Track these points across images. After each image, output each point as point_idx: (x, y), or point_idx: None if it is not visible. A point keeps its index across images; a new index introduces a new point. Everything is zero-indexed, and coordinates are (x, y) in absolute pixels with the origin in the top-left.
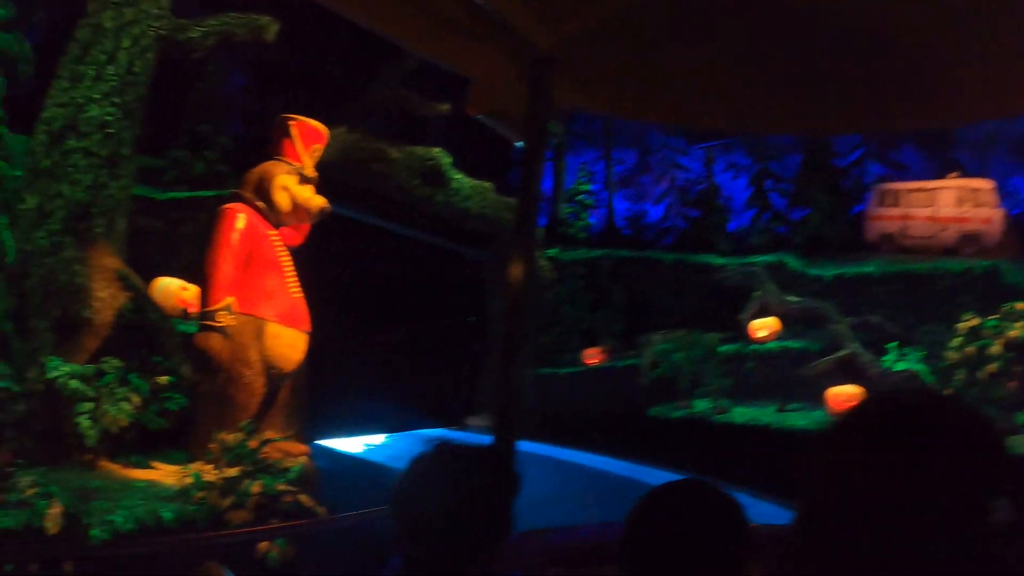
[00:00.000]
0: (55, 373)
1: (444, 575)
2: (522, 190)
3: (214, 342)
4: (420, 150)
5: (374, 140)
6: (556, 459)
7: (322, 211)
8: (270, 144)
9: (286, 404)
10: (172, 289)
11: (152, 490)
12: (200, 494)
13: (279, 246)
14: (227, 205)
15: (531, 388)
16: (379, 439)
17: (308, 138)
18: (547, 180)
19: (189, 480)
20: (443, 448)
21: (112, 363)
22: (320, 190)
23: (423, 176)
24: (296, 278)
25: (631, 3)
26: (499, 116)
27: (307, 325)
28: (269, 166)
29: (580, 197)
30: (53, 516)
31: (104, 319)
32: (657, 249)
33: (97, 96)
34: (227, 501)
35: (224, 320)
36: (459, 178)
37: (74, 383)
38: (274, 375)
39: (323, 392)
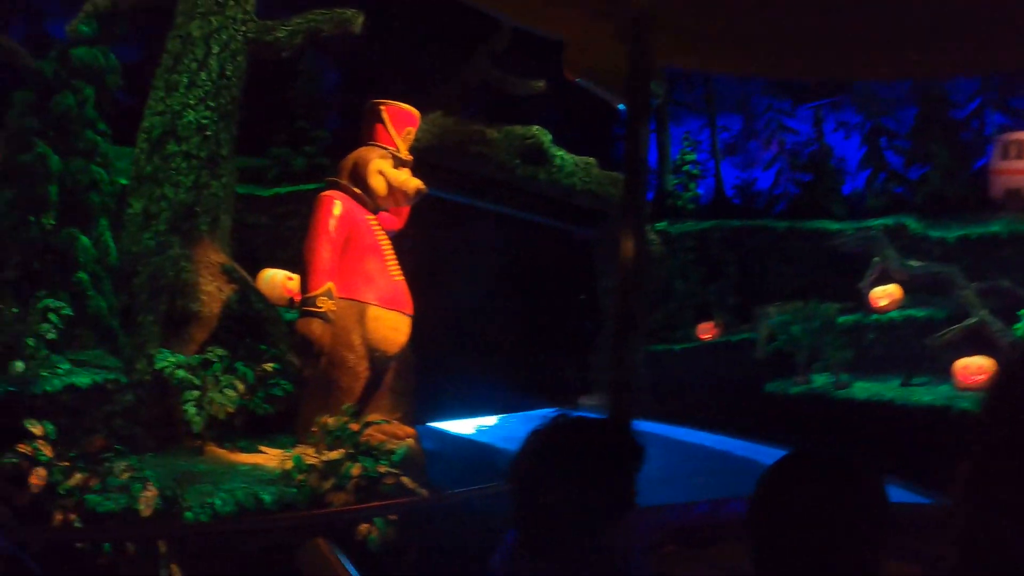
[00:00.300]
0: (162, 364)
1: (564, 551)
2: (627, 154)
3: (315, 327)
4: (519, 129)
5: (471, 122)
6: (670, 438)
7: (419, 193)
8: (363, 131)
9: (392, 387)
10: (278, 280)
11: (255, 473)
12: (300, 477)
13: (377, 230)
14: (323, 193)
15: (644, 365)
16: (491, 420)
17: (400, 121)
18: (651, 152)
19: (290, 464)
20: (562, 420)
21: (217, 352)
22: (420, 175)
23: (523, 155)
24: (396, 261)
25: None
26: (597, 78)
27: (409, 308)
28: (363, 151)
29: (686, 168)
30: (147, 499)
31: (211, 311)
32: (769, 217)
33: (192, 101)
34: (328, 483)
35: (324, 305)
36: (561, 155)
37: (180, 372)
38: (378, 358)
39: (434, 375)
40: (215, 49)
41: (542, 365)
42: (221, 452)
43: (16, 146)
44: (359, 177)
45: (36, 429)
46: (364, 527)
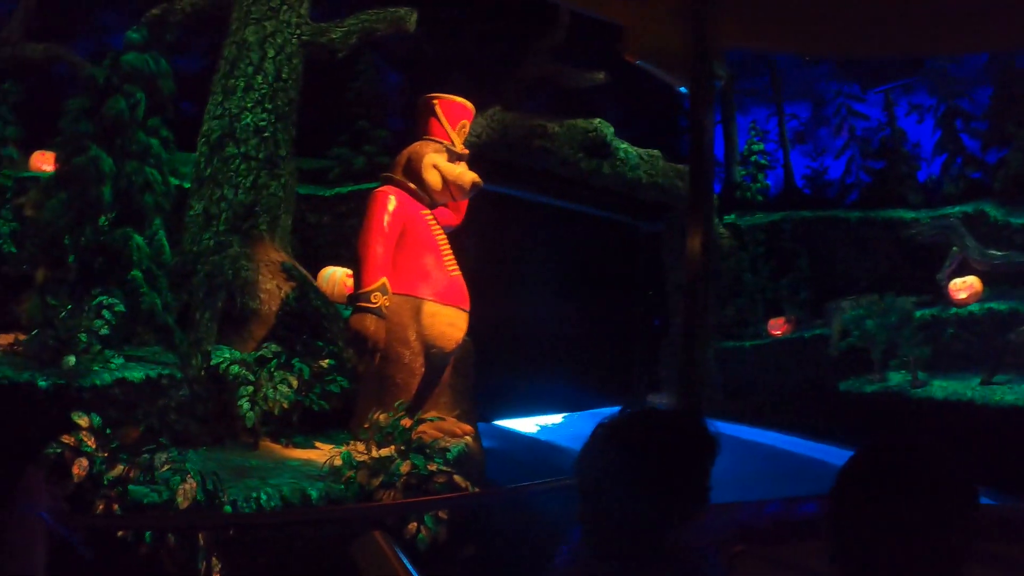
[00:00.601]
0: (217, 359)
1: (633, 548)
2: (691, 139)
3: (368, 323)
4: (581, 122)
5: (532, 116)
6: (739, 439)
7: (474, 186)
8: (417, 125)
9: (451, 384)
10: (338, 277)
11: (305, 469)
12: (349, 473)
13: (434, 225)
14: (377, 189)
15: (714, 363)
16: (556, 419)
17: (454, 115)
18: (718, 144)
19: (338, 460)
20: (631, 413)
21: (272, 348)
22: (481, 170)
23: (586, 149)
24: (453, 256)
25: None
26: (658, 60)
27: (466, 303)
28: (417, 146)
29: (754, 158)
30: (185, 491)
31: (270, 309)
32: (841, 207)
33: (249, 104)
34: (376, 480)
35: (378, 301)
36: (625, 148)
37: (235, 368)
38: (434, 354)
39: (499, 373)
40: (270, 53)
41: (609, 363)
42: (276, 447)
43: (71, 150)
44: (413, 172)
45: (82, 421)
46: (413, 525)
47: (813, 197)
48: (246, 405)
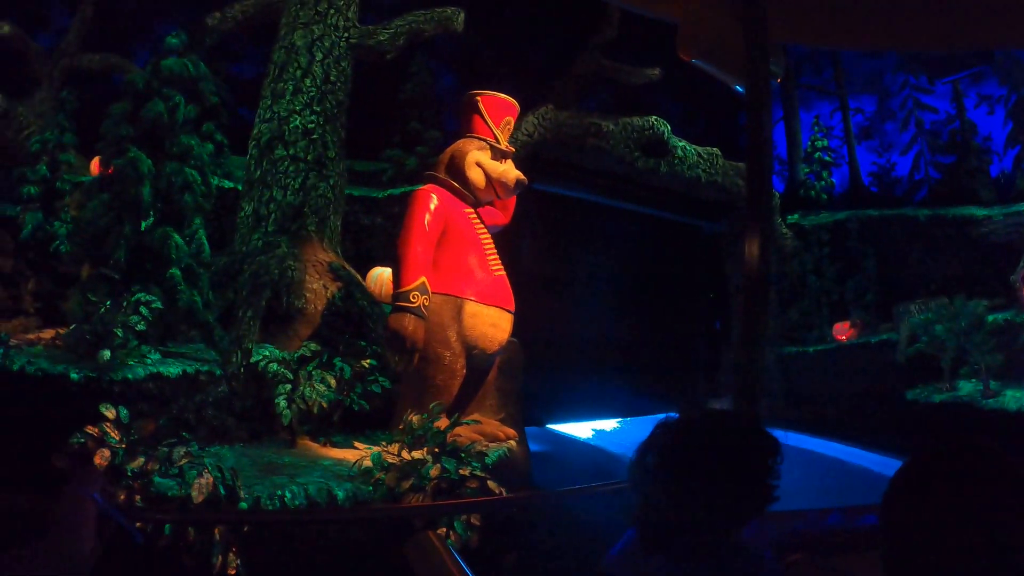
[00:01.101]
0: (257, 357)
1: (690, 550)
2: (749, 138)
3: (407, 323)
4: (637, 120)
5: (586, 115)
6: (801, 448)
7: (519, 184)
8: (461, 123)
9: (497, 387)
10: (385, 277)
11: (337, 468)
12: (379, 475)
13: (477, 224)
14: (419, 188)
15: (775, 369)
16: (613, 424)
17: (497, 111)
18: (780, 141)
19: (368, 462)
20: (691, 414)
21: (311, 347)
22: (533, 170)
23: (643, 147)
24: (497, 256)
25: None
26: (713, 58)
27: (510, 304)
28: (460, 144)
29: (818, 155)
30: (200, 486)
31: (316, 308)
32: (909, 205)
33: (298, 107)
34: (406, 483)
35: (416, 300)
36: (683, 146)
37: (273, 366)
38: (476, 355)
39: (555, 377)
40: (318, 56)
41: (669, 367)
42: (314, 446)
43: (112, 153)
44: (457, 170)
45: (109, 413)
46: (442, 530)
47: (880, 195)
48: (283, 403)
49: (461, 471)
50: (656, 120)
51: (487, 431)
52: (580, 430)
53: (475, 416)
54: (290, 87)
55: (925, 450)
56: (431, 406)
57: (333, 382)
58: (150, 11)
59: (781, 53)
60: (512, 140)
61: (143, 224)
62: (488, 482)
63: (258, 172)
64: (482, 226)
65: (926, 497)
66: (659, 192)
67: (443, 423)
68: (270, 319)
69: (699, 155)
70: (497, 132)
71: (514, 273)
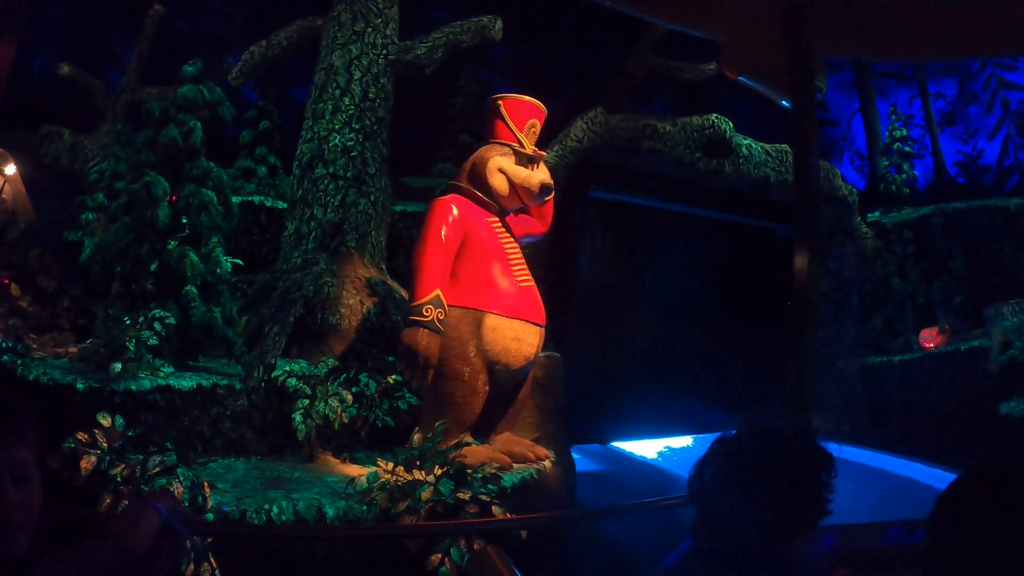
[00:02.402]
0: (279, 372)
1: (745, 561)
2: (795, 154)
3: (420, 338)
4: (696, 120)
5: (641, 117)
6: (883, 470)
7: (544, 187)
8: (484, 130)
9: (535, 404)
10: None
11: (339, 486)
12: (374, 494)
13: (501, 233)
14: (437, 198)
15: (857, 381)
16: (684, 441)
17: (520, 115)
18: (859, 133)
19: (362, 480)
20: (747, 429)
21: (329, 362)
22: (587, 176)
23: (704, 147)
24: (525, 267)
25: None
26: (758, 75)
27: (539, 317)
28: (481, 151)
29: (897, 146)
30: None
31: (351, 324)
32: (999, 195)
33: (337, 126)
34: (403, 504)
35: (430, 314)
36: (748, 144)
37: (292, 381)
38: (500, 371)
39: (622, 391)
40: (356, 75)
41: (744, 380)
42: (335, 462)
43: (132, 178)
44: (479, 178)
45: (104, 421)
46: (436, 557)
47: (968, 186)
48: (299, 418)
49: (461, 494)
50: (717, 118)
51: (516, 451)
52: (647, 448)
53: (505, 435)
54: (329, 107)
55: (974, 468)
56: (436, 424)
57: (350, 398)
58: (209, 43)
59: (823, 67)
60: (561, 147)
61: (170, 244)
62: (493, 507)
63: (300, 191)
64: (508, 235)
65: (967, 515)
66: (725, 194)
67: (450, 442)
68: (304, 335)
69: (767, 153)
70: (521, 136)
71: (576, 285)
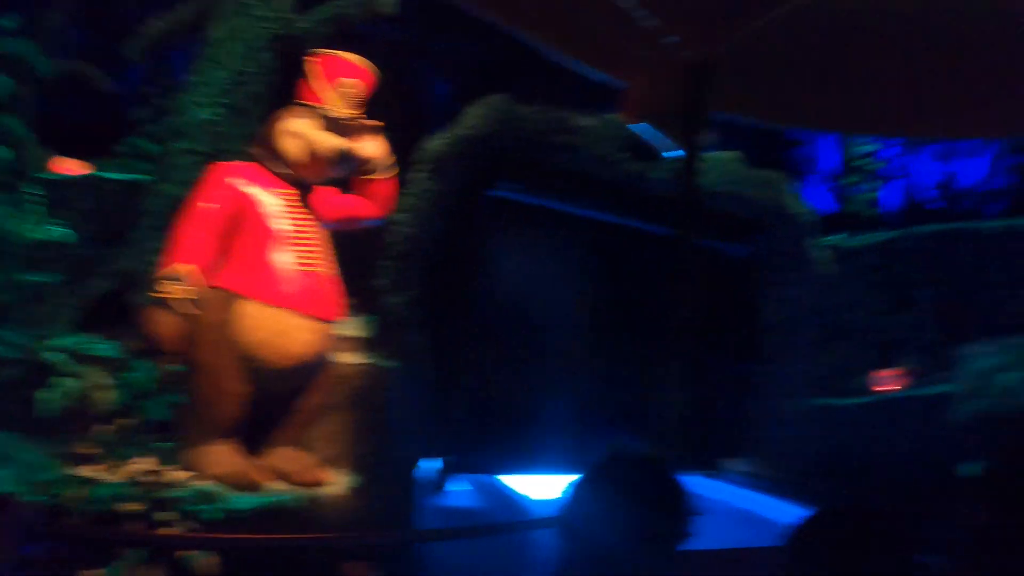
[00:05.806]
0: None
1: None
2: (682, 201)
3: (160, 318)
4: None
5: (554, 109)
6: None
7: (338, 154)
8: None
9: (341, 420)
10: None
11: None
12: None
13: (294, 208)
14: (213, 164)
15: (807, 426)
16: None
17: (332, 73)
18: (834, 154)
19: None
20: (606, 458)
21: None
22: (489, 173)
23: (633, 149)
24: (321, 251)
25: (784, 15)
26: (654, 121)
27: (323, 311)
28: (278, 113)
29: (858, 163)
30: None
31: None
32: (980, 218)
33: (204, 99)
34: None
35: (165, 290)
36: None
37: (47, 353)
38: (260, 369)
39: (518, 421)
40: (236, 48)
41: (673, 419)
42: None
43: None
44: (268, 142)
45: None
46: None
47: (946, 210)
48: (43, 394)
49: (125, 506)
50: None
51: (287, 469)
52: (536, 483)
53: (281, 450)
54: (202, 79)
55: (818, 515)
56: (96, 432)
57: (97, 377)
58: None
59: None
60: (451, 135)
61: None
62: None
63: (158, 167)
64: (304, 212)
65: (813, 552)
66: (657, 204)
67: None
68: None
69: (709, 160)
70: (329, 95)
71: (464, 294)
